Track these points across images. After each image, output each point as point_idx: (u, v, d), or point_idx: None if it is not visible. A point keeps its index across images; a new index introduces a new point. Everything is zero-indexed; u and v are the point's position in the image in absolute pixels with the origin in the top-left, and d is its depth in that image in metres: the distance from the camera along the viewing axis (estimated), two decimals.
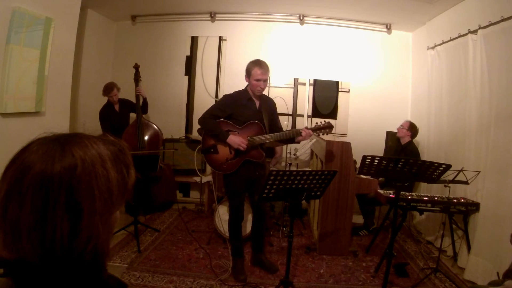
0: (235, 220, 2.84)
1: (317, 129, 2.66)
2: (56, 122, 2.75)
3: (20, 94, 2.38)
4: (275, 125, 2.88)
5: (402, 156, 3.47)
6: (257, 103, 2.79)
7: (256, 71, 2.64)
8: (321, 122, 2.68)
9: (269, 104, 2.89)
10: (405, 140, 3.78)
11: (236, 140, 2.63)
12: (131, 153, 0.67)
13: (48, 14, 2.52)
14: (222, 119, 2.74)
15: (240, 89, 2.84)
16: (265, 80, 2.69)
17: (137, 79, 4.01)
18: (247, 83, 2.79)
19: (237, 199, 2.79)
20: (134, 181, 0.65)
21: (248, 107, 2.74)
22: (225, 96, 2.83)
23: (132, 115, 4.16)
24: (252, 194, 2.86)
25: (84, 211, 0.54)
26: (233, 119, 2.73)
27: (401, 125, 3.83)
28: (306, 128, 2.65)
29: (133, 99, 4.08)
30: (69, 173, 0.54)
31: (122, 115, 4.08)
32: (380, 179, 3.47)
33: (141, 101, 4.01)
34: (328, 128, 2.66)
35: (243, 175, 2.74)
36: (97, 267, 0.59)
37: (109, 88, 3.94)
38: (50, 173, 0.53)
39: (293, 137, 2.67)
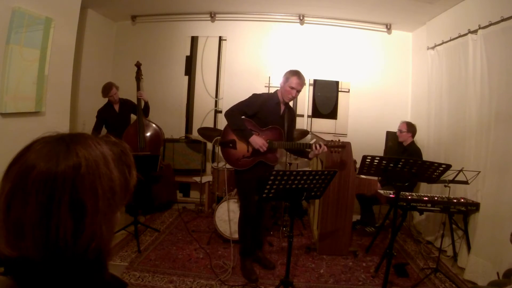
0: (246, 219, 2.86)
1: (331, 146, 2.71)
2: (56, 122, 2.75)
3: (20, 94, 2.38)
4: (291, 133, 2.96)
5: (405, 156, 3.47)
6: (282, 109, 2.88)
7: (294, 79, 2.73)
8: (337, 140, 2.74)
9: (291, 113, 2.99)
10: (408, 141, 3.74)
11: (259, 141, 2.71)
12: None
13: (48, 14, 2.51)
14: (245, 117, 2.83)
15: (271, 92, 2.96)
16: (298, 91, 2.77)
17: (138, 77, 4.01)
18: (278, 88, 2.88)
19: (248, 197, 2.81)
20: (135, 182, 0.65)
21: (274, 111, 2.83)
22: (254, 95, 2.88)
23: (133, 116, 4.15)
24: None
25: (88, 209, 0.55)
26: (256, 118, 2.81)
27: (399, 130, 3.76)
28: (320, 143, 2.68)
29: (133, 98, 4.08)
30: (73, 172, 0.54)
31: (121, 116, 4.06)
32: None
33: (142, 104, 4.01)
34: (342, 147, 2.72)
35: (254, 173, 2.78)
36: (99, 266, 0.60)
37: (107, 88, 3.92)
38: (55, 171, 0.53)
39: (308, 150, 2.75)
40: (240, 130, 2.76)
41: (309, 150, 2.75)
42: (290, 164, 4.11)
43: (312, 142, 4.00)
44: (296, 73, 2.75)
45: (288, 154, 4.17)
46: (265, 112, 2.80)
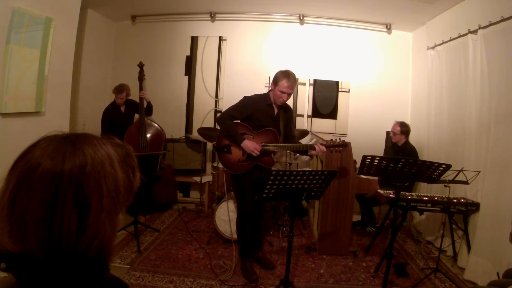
0: (243, 219, 2.85)
1: (331, 146, 2.64)
2: (56, 122, 2.74)
3: (20, 94, 2.37)
4: (290, 132, 2.89)
5: (401, 156, 3.47)
6: (276, 110, 2.82)
7: (284, 83, 2.63)
8: (337, 140, 2.66)
9: (287, 112, 2.91)
10: (401, 142, 3.76)
11: (250, 146, 2.65)
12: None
13: (48, 14, 2.51)
14: (239, 121, 2.76)
15: (262, 93, 2.86)
16: (289, 94, 2.69)
17: (141, 78, 4.04)
18: (270, 89, 2.80)
19: (245, 199, 2.80)
20: (139, 184, 0.66)
21: (267, 113, 2.77)
22: (245, 97, 2.80)
23: (136, 115, 4.17)
24: (255, 192, 2.86)
25: (92, 207, 0.55)
26: (249, 121, 2.75)
27: (392, 132, 3.78)
28: (321, 144, 2.63)
29: (135, 98, 4.11)
30: (79, 170, 0.55)
31: (127, 117, 4.10)
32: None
33: (145, 104, 4.02)
34: (343, 146, 2.64)
35: (252, 176, 2.76)
36: (100, 265, 0.60)
37: (119, 90, 3.96)
38: (61, 169, 0.54)
39: (306, 150, 2.69)
40: (231, 136, 2.70)
41: (308, 150, 2.69)
42: (290, 164, 4.11)
43: (312, 142, 4.00)
44: (286, 76, 2.63)
45: (288, 154, 4.17)
46: (258, 115, 2.73)
